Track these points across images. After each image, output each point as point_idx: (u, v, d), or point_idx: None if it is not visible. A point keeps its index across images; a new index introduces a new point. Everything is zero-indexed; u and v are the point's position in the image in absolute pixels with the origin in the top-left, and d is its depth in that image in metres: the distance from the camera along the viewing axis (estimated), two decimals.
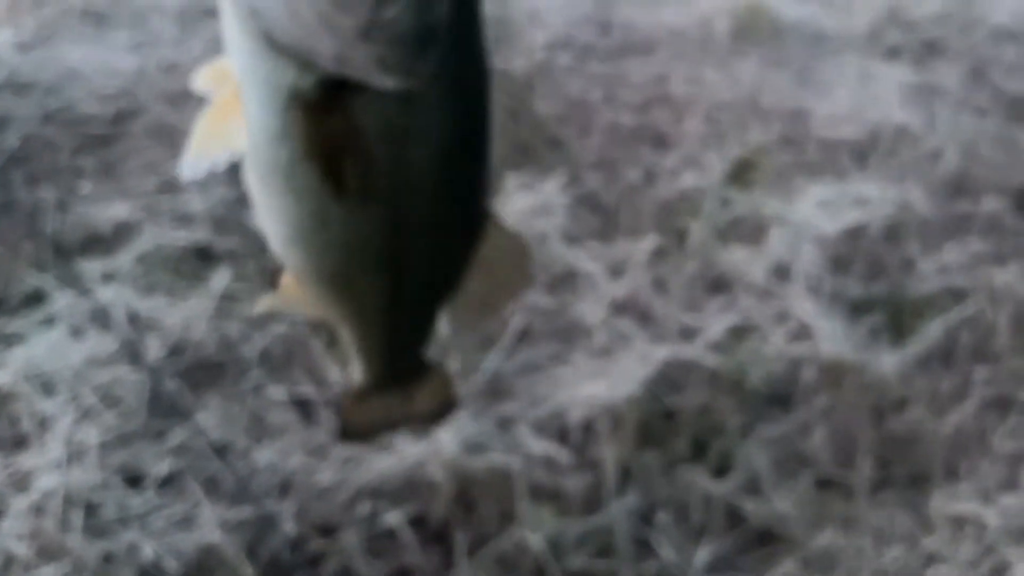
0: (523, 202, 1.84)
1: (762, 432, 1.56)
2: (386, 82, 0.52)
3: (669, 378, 1.60)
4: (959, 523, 1.49)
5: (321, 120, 0.55)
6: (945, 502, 1.51)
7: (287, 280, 0.72)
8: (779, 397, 1.60)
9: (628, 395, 1.56)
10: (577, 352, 1.63)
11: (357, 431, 0.91)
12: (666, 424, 1.56)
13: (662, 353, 1.61)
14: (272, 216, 0.63)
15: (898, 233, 1.95)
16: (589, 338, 1.65)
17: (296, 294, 0.72)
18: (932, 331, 1.74)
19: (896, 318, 1.78)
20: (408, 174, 0.59)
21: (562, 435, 1.54)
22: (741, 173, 2.00)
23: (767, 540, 1.44)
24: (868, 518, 1.48)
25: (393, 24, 0.51)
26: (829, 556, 1.43)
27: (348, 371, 0.82)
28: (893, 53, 2.65)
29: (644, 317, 1.68)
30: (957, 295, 1.81)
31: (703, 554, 1.40)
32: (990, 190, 2.09)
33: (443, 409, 0.88)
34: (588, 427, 1.54)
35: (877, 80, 2.45)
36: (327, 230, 0.62)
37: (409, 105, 0.55)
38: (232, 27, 0.55)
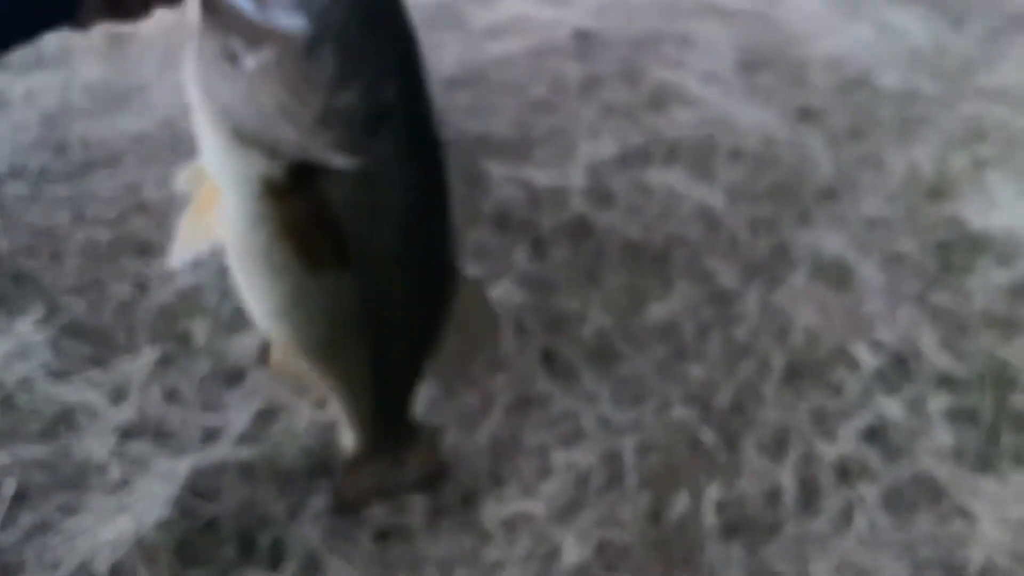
0: None
1: (311, 507, 1.52)
2: (345, 163, 0.57)
3: (200, 488, 1.50)
4: (511, 523, 1.57)
5: (291, 203, 0.59)
6: (496, 509, 1.59)
7: (276, 354, 0.76)
8: (319, 468, 1.57)
9: (157, 520, 1.43)
10: (91, 494, 1.47)
11: (351, 503, 0.96)
12: (208, 535, 1.45)
13: (186, 465, 1.51)
14: (256, 295, 0.68)
15: None
16: (102, 475, 1.49)
17: (286, 366, 0.76)
18: None
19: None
20: (376, 244, 0.63)
21: None
22: None
23: None
24: (431, 553, 1.51)
25: (347, 110, 0.55)
26: None
27: (341, 443, 0.85)
28: None
29: (159, 434, 1.56)
30: None
31: None
32: (471, 219, 2.29)
33: (433, 475, 0.92)
34: (120, 570, 1.38)
35: None
36: (307, 304, 0.67)
37: (370, 181, 0.59)
38: (204, 127, 0.59)
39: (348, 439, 0.84)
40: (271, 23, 0.52)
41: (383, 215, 0.63)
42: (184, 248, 0.64)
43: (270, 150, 0.56)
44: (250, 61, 0.53)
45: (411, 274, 0.68)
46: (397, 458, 0.87)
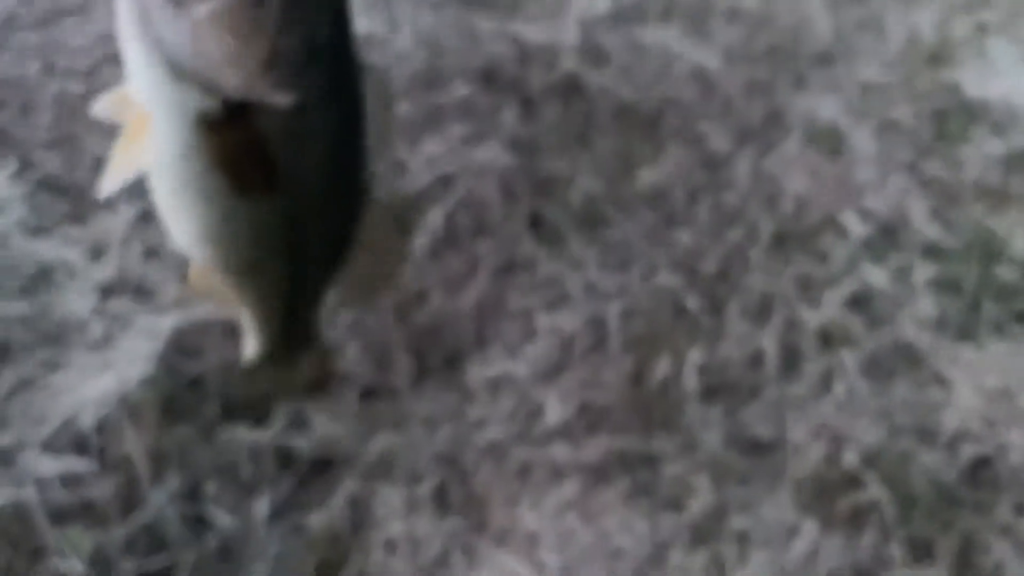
0: None
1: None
2: (284, 100, 0.60)
3: (183, 346, 1.49)
4: (495, 384, 1.59)
5: (226, 135, 0.61)
6: (480, 370, 1.61)
7: (194, 272, 0.79)
8: None
9: (141, 378, 1.43)
10: (73, 351, 1.46)
11: (245, 403, 1.05)
12: (192, 393, 1.46)
13: (168, 323, 1.50)
14: (182, 220, 0.70)
15: None
16: (83, 332, 1.49)
17: (204, 284, 0.79)
18: (433, 221, 1.81)
19: (400, 221, 1.82)
20: (304, 172, 0.67)
21: (80, 445, 1.38)
22: None
23: (323, 468, 1.43)
24: (415, 410, 1.53)
25: (289, 52, 0.58)
26: (385, 459, 1.45)
27: (242, 346, 0.88)
28: None
29: (140, 291, 1.55)
30: (447, 181, 1.90)
31: (260, 505, 1.35)
32: (457, 76, 2.21)
33: (323, 381, 0.97)
34: (106, 426, 1.40)
35: None
36: (235, 227, 0.70)
37: (302, 114, 0.62)
38: (136, 56, 0.60)
39: (251, 345, 0.88)
40: None
41: (312, 145, 0.66)
42: (116, 176, 0.66)
43: (209, 88, 0.59)
44: (198, 8, 0.55)
45: (332, 197, 0.73)
46: (292, 365, 0.93)
